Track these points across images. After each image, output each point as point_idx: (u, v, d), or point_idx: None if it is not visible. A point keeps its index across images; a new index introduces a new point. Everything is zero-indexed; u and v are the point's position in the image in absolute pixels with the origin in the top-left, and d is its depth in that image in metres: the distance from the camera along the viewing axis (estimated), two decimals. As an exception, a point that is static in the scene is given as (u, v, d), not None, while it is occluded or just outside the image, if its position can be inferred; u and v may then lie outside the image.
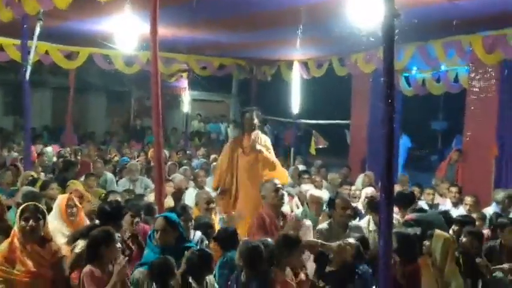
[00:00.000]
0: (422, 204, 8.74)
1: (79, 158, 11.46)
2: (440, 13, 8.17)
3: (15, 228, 4.92)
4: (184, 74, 15.82)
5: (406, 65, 11.51)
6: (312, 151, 13.96)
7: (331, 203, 6.90)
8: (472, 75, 10.56)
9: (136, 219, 5.91)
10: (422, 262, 5.62)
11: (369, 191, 8.42)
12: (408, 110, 13.21)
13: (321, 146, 13.87)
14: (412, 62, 11.43)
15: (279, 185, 6.48)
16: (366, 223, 6.92)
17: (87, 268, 4.72)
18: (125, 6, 7.86)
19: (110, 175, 9.87)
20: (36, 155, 11.26)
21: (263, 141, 7.73)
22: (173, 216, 5.49)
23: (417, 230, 5.87)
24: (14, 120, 17.96)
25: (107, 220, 5.44)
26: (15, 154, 10.98)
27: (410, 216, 6.58)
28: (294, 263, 5.29)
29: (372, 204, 6.95)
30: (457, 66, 11.28)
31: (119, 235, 5.28)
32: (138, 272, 4.98)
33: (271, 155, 7.71)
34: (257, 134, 7.77)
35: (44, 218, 4.95)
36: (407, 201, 7.36)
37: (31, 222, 4.82)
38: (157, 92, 6.37)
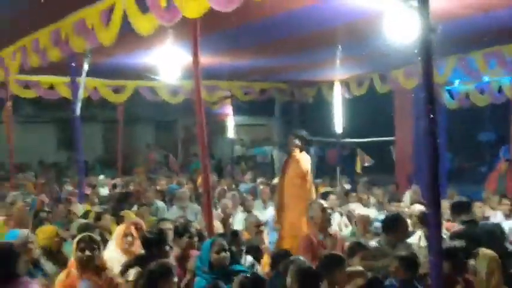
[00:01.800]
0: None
1: (131, 187, 11.72)
2: (477, 24, 8.15)
3: (72, 259, 5.18)
4: (228, 101, 16.04)
5: (448, 78, 11.44)
6: (358, 169, 13.93)
7: (390, 222, 6.70)
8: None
9: (194, 239, 6.05)
10: (466, 280, 5.51)
11: (417, 208, 8.35)
12: (454, 123, 13.08)
13: (366, 164, 13.82)
14: (454, 75, 11.35)
15: (326, 205, 6.56)
16: (417, 239, 6.85)
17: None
18: (167, 37, 8.10)
19: (160, 203, 10.09)
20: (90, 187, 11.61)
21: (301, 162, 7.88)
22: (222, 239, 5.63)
23: (462, 243, 5.79)
24: (67, 155, 18.52)
25: (151, 247, 5.60)
26: (70, 188, 11.33)
27: (457, 229, 6.51)
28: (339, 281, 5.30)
29: (423, 219, 6.89)
30: (500, 76, 11.15)
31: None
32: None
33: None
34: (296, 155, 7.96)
35: (99, 248, 5.18)
36: (462, 208, 7.26)
37: (87, 252, 5.06)
38: (202, 120, 6.54)
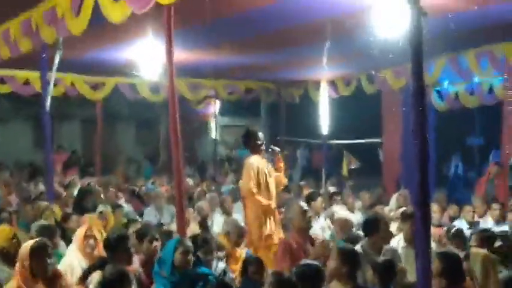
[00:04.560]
0: (462, 223, 8.29)
1: (111, 189, 11.25)
2: (470, 21, 7.81)
3: (21, 268, 4.66)
4: (212, 101, 15.68)
5: (438, 79, 11.13)
6: (344, 172, 13.55)
7: (370, 226, 6.42)
8: (508, 85, 10.07)
9: (154, 243, 5.66)
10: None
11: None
12: (442, 126, 12.79)
13: (353, 167, 13.45)
14: (443, 75, 11.03)
15: (306, 208, 6.15)
16: (396, 242, 6.49)
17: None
18: (145, 31, 7.69)
19: (126, 206, 9.62)
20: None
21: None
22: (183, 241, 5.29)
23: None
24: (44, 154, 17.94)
25: (112, 251, 5.18)
26: (42, 187, 10.86)
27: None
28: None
29: (404, 216, 6.51)
30: (491, 77, 10.82)
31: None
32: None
33: None
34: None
35: (51, 255, 4.70)
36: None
37: (39, 261, 4.58)
38: (175, 117, 6.09)
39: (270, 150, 7.70)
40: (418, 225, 4.08)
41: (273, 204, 7.23)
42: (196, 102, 15.37)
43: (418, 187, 4.04)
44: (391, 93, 12.52)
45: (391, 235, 6.43)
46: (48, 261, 4.63)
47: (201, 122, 18.17)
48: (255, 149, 7.35)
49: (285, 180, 7.98)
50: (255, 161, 7.21)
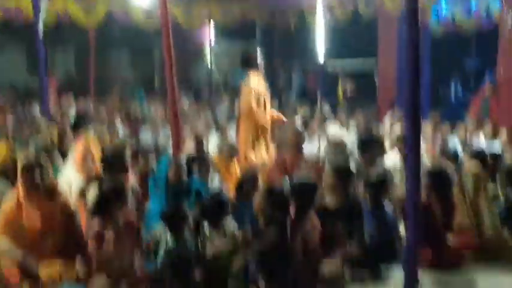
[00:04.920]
0: (455, 141, 8.40)
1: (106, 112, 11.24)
2: None
3: (20, 182, 4.73)
4: (207, 24, 15.45)
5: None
6: (340, 97, 13.57)
7: (364, 143, 6.53)
8: (504, 8, 9.95)
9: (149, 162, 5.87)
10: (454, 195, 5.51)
11: (396, 129, 8.07)
12: (440, 49, 12.75)
13: (348, 92, 13.48)
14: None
15: (300, 126, 6.23)
16: (392, 160, 6.61)
17: (95, 222, 4.58)
18: None
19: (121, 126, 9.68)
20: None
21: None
22: (175, 158, 5.49)
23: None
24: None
25: (109, 168, 5.25)
26: (37, 111, 10.88)
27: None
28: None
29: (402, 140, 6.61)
30: None
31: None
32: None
33: None
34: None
35: (48, 172, 4.76)
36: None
37: (34, 176, 4.64)
38: (168, 41, 6.10)
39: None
40: (409, 145, 4.17)
41: (268, 125, 7.26)
42: (189, 25, 15.14)
43: (408, 107, 4.13)
44: (388, 17, 12.38)
45: (382, 152, 6.52)
46: (45, 175, 4.68)
47: (196, 47, 17.93)
48: (253, 69, 7.31)
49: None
50: (254, 82, 7.20)
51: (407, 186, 4.18)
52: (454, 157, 7.04)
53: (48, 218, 4.67)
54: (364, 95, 14.31)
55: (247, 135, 7.12)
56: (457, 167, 6.58)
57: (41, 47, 8.86)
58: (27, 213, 4.62)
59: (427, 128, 8.47)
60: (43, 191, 4.70)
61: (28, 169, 4.63)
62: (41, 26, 8.74)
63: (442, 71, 14.08)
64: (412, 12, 4.06)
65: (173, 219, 4.65)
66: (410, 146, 4.17)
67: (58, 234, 4.71)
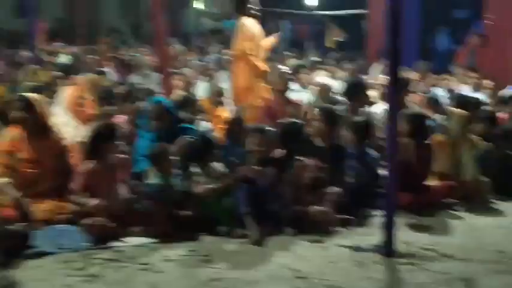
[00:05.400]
0: (441, 90, 8.54)
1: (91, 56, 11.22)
2: None
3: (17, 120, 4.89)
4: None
5: None
6: (328, 44, 13.51)
7: (350, 89, 6.65)
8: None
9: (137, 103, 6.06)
10: (436, 140, 5.73)
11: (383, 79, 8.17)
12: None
13: (337, 39, 13.38)
14: None
15: (284, 70, 6.34)
16: (380, 109, 6.74)
17: (87, 162, 4.73)
18: None
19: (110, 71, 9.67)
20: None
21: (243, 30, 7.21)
22: (163, 100, 5.60)
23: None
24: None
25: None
26: (27, 53, 10.86)
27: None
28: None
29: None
30: None
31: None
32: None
33: None
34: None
35: (42, 109, 4.89)
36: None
37: (25, 113, 4.80)
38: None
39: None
40: (389, 88, 4.28)
41: (265, 68, 7.08)
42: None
43: (388, 57, 4.20)
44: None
45: (368, 99, 6.66)
46: (43, 112, 4.85)
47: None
48: (249, 13, 7.19)
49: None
50: (251, 25, 7.10)
51: (386, 131, 4.34)
52: (438, 104, 7.20)
53: (42, 153, 4.83)
54: (353, 44, 14.30)
55: (243, 79, 7.03)
56: (442, 114, 6.77)
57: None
58: (23, 146, 4.80)
59: (413, 77, 8.60)
60: (39, 126, 4.86)
61: (28, 106, 4.80)
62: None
63: (431, 22, 14.07)
64: None
65: (159, 159, 4.79)
66: (389, 91, 4.32)
67: (51, 171, 4.86)
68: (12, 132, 4.87)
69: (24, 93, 5.06)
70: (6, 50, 11.47)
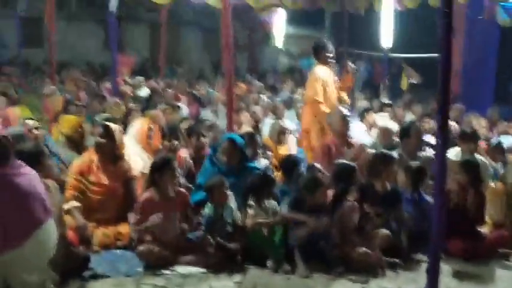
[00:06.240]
0: (508, 138, 8.37)
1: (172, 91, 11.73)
2: None
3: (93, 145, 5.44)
4: (276, 9, 15.63)
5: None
6: (403, 86, 13.50)
7: (404, 132, 6.71)
8: None
9: (202, 139, 6.48)
10: (492, 189, 5.76)
11: (452, 124, 8.09)
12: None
13: (413, 81, 13.35)
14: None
15: (346, 113, 6.47)
16: (454, 155, 6.67)
17: (147, 192, 5.03)
18: None
19: (183, 106, 10.08)
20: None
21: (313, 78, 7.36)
22: (237, 138, 5.73)
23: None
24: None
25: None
26: (108, 86, 11.52)
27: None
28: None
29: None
30: None
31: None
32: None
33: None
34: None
35: (118, 139, 5.38)
36: None
37: (104, 140, 5.30)
38: (227, 24, 6.42)
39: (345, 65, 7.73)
40: (437, 135, 4.11)
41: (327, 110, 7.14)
42: (260, 9, 15.37)
43: (438, 102, 3.98)
44: (456, 7, 12.16)
45: (421, 142, 6.64)
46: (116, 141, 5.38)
47: (265, 30, 18.17)
48: (324, 61, 7.37)
49: (348, 101, 7.88)
50: (323, 73, 7.26)
51: (435, 177, 4.29)
52: (503, 153, 7.09)
53: (111, 178, 5.32)
54: (429, 86, 14.17)
55: (310, 124, 7.19)
56: (504, 162, 6.70)
57: (113, 23, 9.29)
58: (96, 170, 5.28)
59: (482, 124, 8.52)
60: (113, 154, 5.36)
61: (108, 133, 5.35)
62: (114, 2, 9.15)
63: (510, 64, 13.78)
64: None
65: (215, 191, 5.04)
66: (438, 138, 4.15)
67: (117, 197, 5.32)
68: (88, 156, 5.35)
69: (106, 122, 5.51)
70: (91, 82, 12.15)
